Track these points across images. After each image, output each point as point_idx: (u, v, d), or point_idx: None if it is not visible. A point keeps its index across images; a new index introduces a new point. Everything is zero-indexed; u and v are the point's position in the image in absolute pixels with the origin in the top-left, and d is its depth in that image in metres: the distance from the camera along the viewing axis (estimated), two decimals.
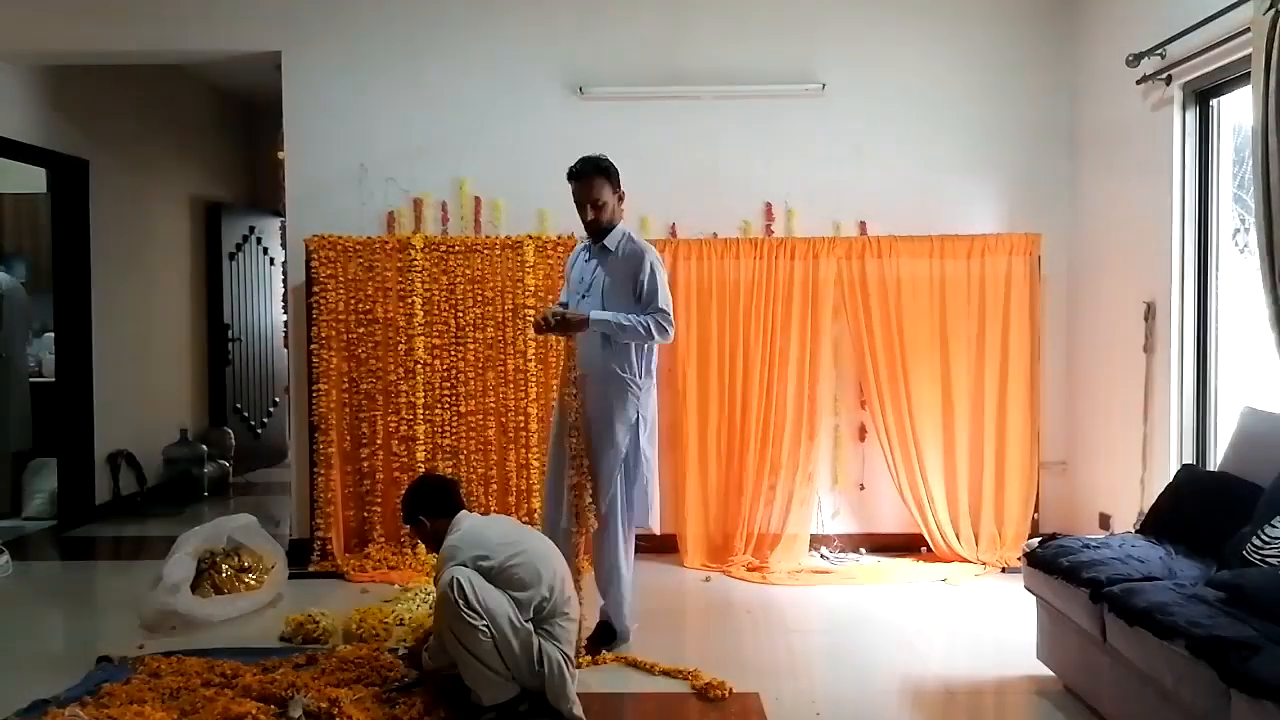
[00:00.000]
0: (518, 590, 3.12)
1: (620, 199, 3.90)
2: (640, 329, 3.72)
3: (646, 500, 3.88)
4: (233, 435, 7.79)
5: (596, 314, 3.71)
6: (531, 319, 5.07)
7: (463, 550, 3.15)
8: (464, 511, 3.36)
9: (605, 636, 3.87)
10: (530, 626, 3.12)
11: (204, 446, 7.25)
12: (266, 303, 8.46)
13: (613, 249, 3.84)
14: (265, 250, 8.45)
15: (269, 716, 3.07)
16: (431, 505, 3.35)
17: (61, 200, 6.33)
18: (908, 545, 5.31)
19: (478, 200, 5.36)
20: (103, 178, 6.52)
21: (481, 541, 3.19)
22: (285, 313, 5.53)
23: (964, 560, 5.06)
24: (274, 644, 3.92)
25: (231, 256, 8.01)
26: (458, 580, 3.02)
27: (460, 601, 2.99)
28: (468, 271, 5.15)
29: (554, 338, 4.75)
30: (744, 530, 5.17)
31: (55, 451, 6.33)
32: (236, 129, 8.40)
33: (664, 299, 3.78)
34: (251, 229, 8.26)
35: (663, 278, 3.83)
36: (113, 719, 3.04)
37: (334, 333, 5.15)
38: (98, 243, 6.45)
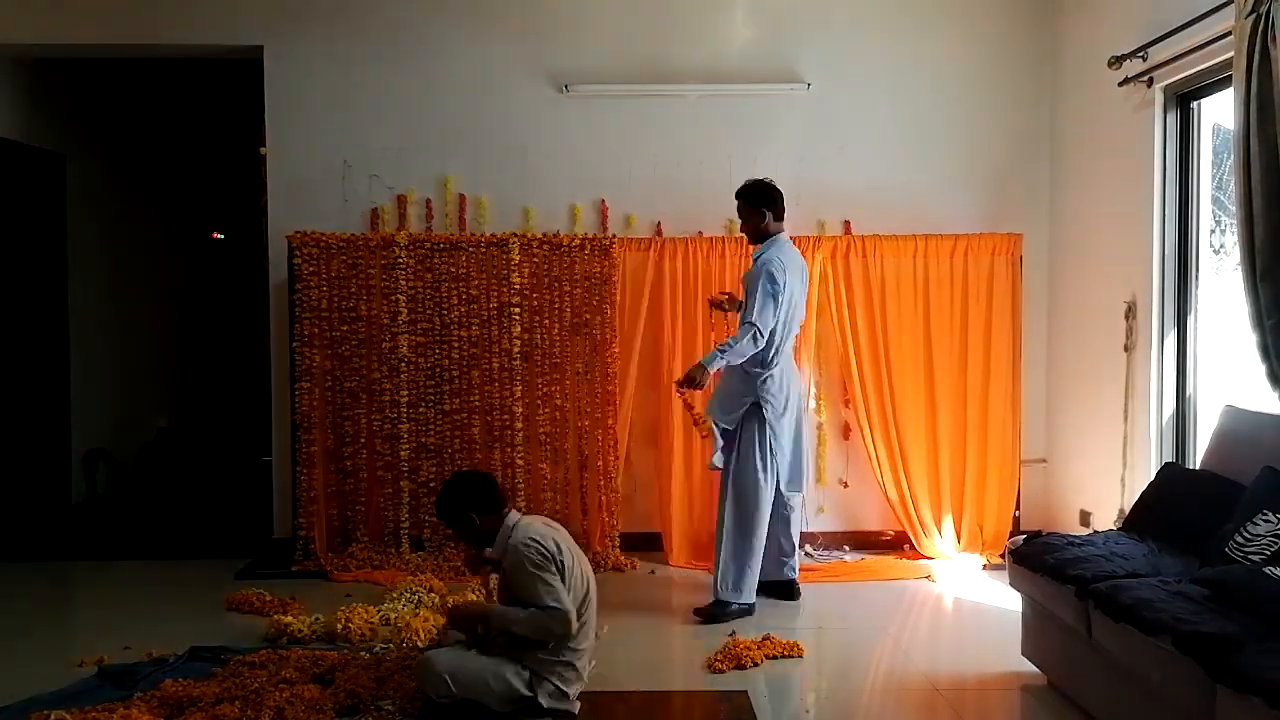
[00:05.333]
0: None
1: (764, 217, 4.36)
2: (734, 352, 4.16)
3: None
4: None
5: (706, 361, 4.22)
6: (517, 317, 5.09)
7: (545, 538, 3.15)
8: (512, 509, 3.31)
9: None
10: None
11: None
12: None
13: (754, 259, 4.36)
14: (245, 246, 8.37)
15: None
16: (480, 502, 3.23)
17: (38, 195, 6.24)
18: (891, 542, 5.34)
19: (462, 198, 5.34)
20: (80, 173, 6.43)
21: (555, 536, 3.19)
22: (266, 310, 5.46)
23: (946, 557, 5.10)
24: (258, 645, 3.87)
25: (210, 252, 7.94)
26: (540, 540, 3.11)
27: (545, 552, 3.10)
28: (452, 269, 5.12)
29: (539, 341, 4.89)
30: None
31: (29, 450, 6.23)
32: (216, 124, 8.31)
33: (756, 311, 4.17)
34: (229, 225, 8.19)
35: (767, 289, 4.19)
36: None
37: (316, 330, 5.10)
38: (74, 238, 6.36)
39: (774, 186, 4.40)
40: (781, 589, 4.52)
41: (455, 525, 3.27)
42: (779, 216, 4.40)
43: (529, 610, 3.10)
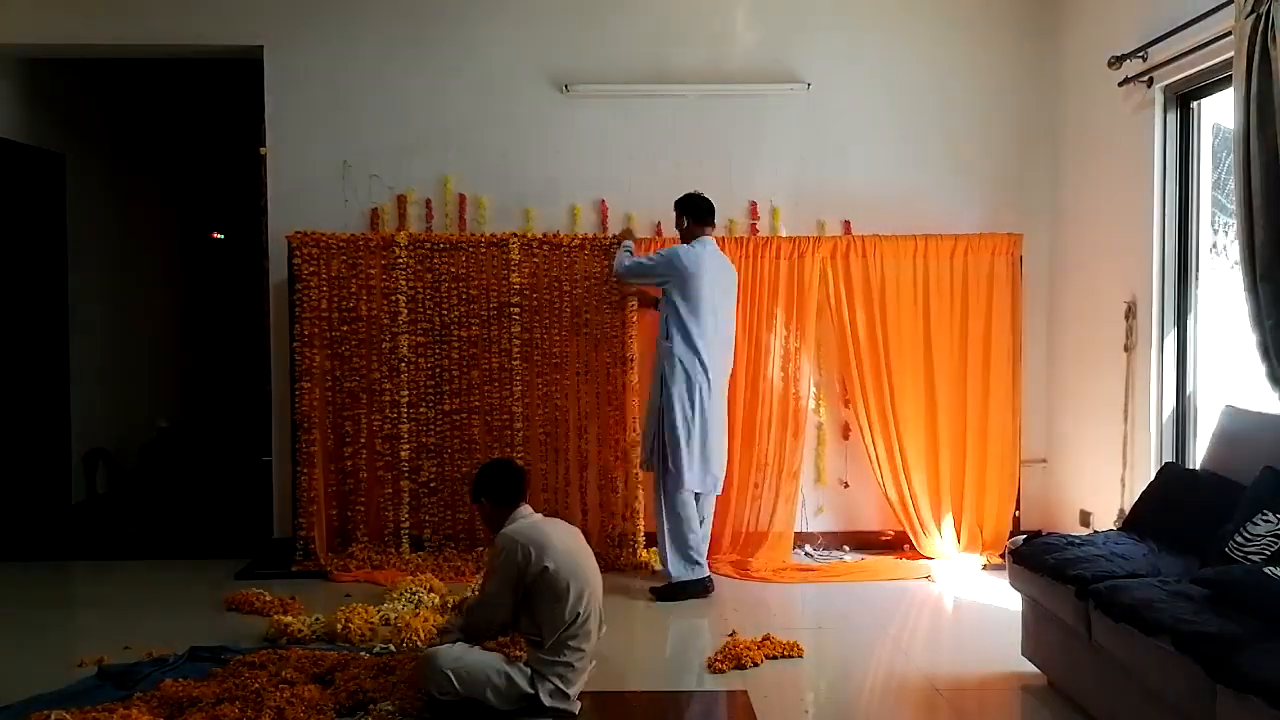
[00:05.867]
0: (554, 598, 3.15)
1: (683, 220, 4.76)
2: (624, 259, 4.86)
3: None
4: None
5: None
6: (517, 317, 5.10)
7: (524, 541, 3.19)
8: (526, 505, 3.37)
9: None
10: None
11: None
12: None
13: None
14: (245, 246, 8.37)
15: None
16: (493, 490, 3.37)
17: (38, 195, 6.23)
18: (891, 542, 5.35)
19: (462, 198, 5.34)
20: (80, 173, 6.43)
21: (541, 539, 3.22)
22: (266, 310, 5.46)
23: (946, 557, 5.10)
24: (258, 645, 3.87)
25: (210, 252, 7.93)
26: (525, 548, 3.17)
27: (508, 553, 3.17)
28: (452, 269, 5.12)
29: (539, 341, 5.03)
30: (729, 528, 5.18)
31: (29, 450, 6.23)
32: (216, 124, 8.31)
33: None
34: (229, 225, 8.19)
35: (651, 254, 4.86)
36: None
37: (317, 330, 5.10)
38: (73, 238, 6.36)
39: (693, 196, 4.73)
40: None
41: (476, 503, 3.45)
42: (698, 220, 4.71)
43: (469, 606, 3.36)
